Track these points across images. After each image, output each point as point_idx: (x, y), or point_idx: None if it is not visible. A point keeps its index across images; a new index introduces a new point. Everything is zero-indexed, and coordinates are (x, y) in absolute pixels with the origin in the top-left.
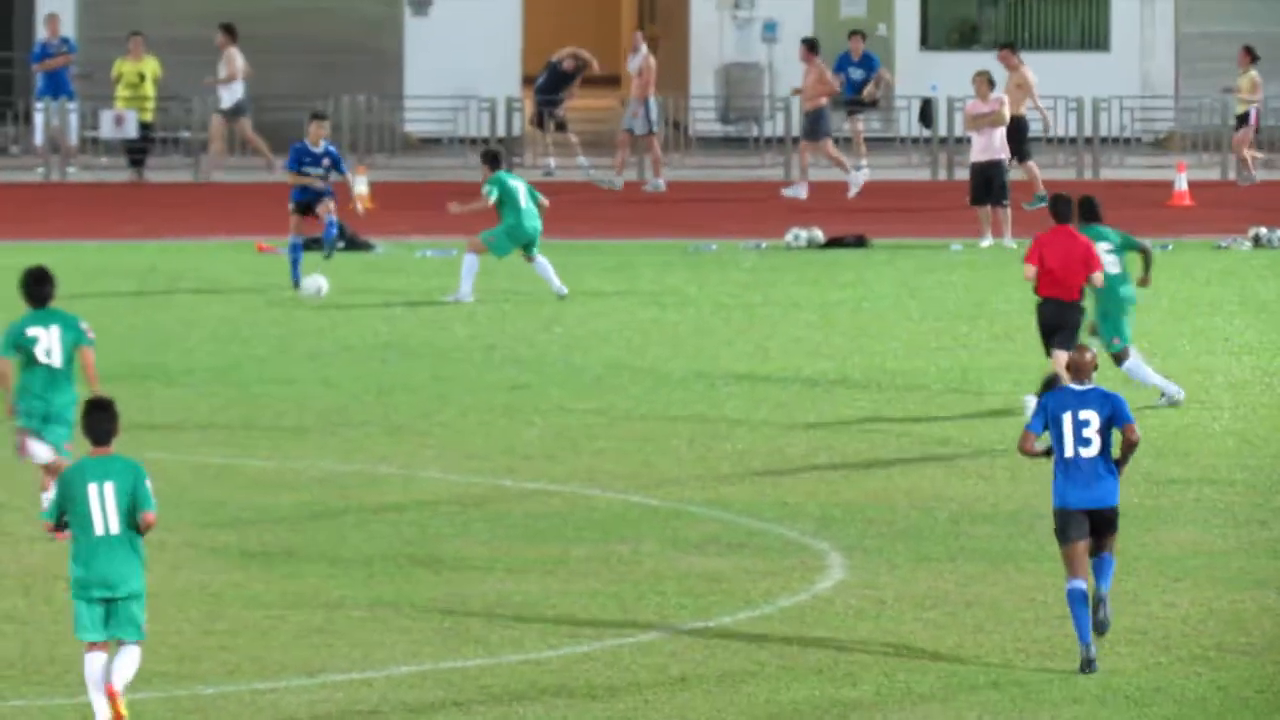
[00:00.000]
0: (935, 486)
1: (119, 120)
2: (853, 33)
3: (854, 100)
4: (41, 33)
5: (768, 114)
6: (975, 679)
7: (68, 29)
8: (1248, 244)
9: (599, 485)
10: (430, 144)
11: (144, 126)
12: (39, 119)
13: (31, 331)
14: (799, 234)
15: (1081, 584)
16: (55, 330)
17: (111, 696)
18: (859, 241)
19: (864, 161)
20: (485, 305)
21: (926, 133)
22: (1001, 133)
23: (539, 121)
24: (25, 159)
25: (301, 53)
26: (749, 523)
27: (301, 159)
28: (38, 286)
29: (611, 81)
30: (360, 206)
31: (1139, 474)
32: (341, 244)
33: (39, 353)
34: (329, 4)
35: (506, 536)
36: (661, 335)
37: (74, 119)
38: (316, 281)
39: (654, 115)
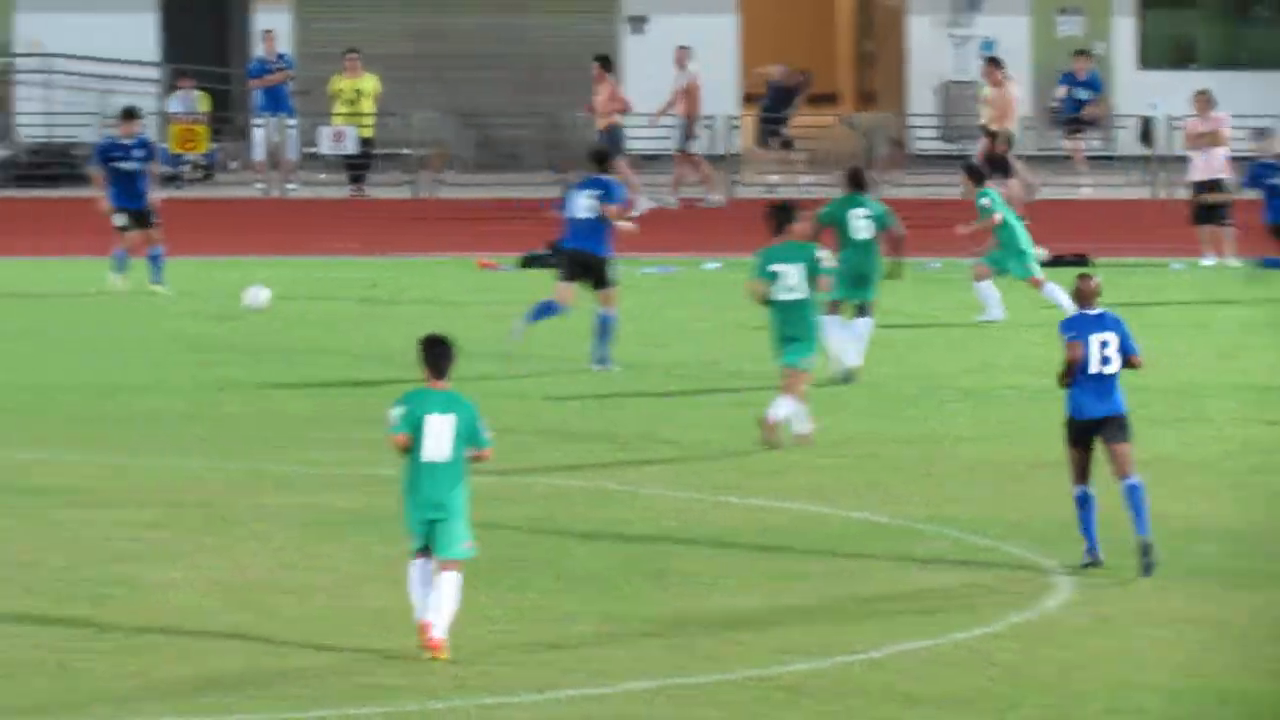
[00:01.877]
0: (1160, 504)
1: (338, 136)
2: (1078, 52)
3: (1075, 119)
4: (258, 49)
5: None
6: (1203, 697)
7: (284, 46)
8: None
9: (826, 501)
10: (648, 161)
11: (363, 142)
12: (258, 135)
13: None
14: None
15: (1087, 489)
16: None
17: (435, 649)
18: (1080, 260)
19: (1085, 180)
20: (706, 323)
21: (1146, 151)
22: (1222, 152)
23: (764, 140)
24: (244, 174)
25: (519, 70)
26: (976, 540)
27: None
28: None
29: (829, 99)
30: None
31: None
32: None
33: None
34: (547, 21)
35: (734, 552)
36: (886, 352)
37: (293, 135)
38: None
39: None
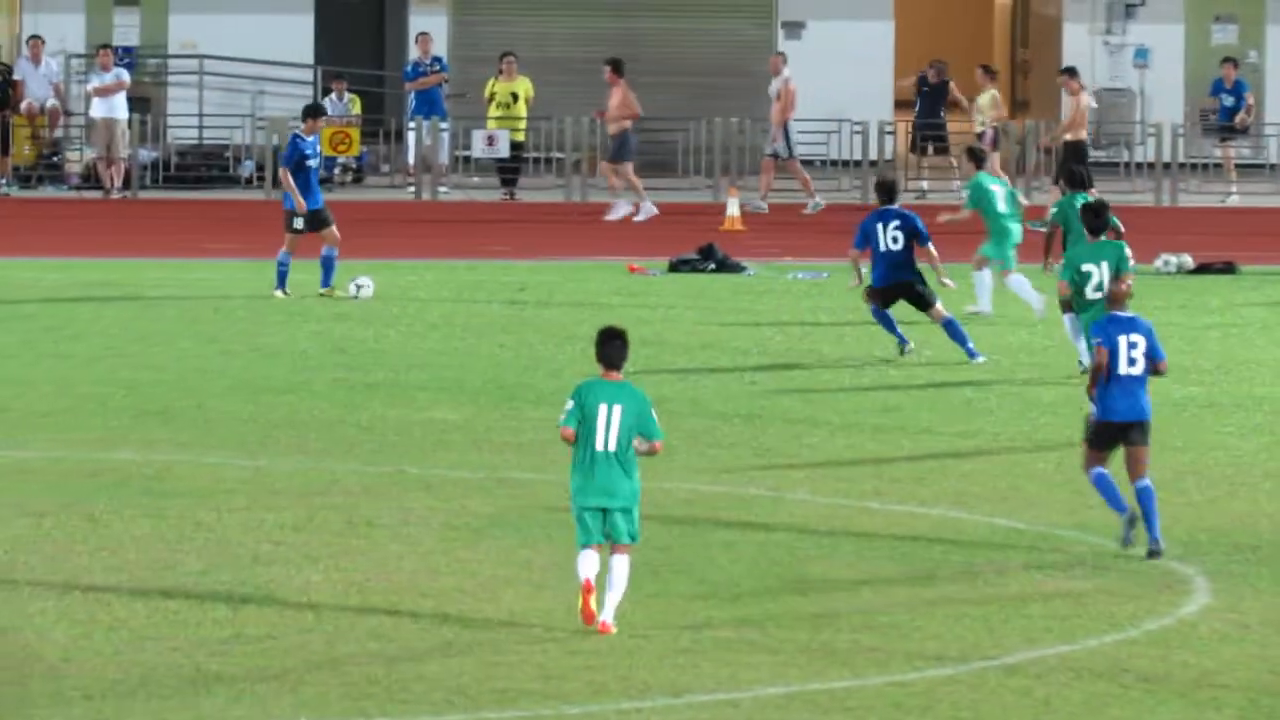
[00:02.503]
0: None
1: (490, 140)
2: (1225, 59)
3: (1226, 127)
4: (413, 52)
5: (1139, 139)
6: None
7: (440, 49)
8: None
9: (966, 508)
10: (805, 166)
11: (515, 146)
12: (411, 138)
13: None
14: (1168, 260)
15: (1103, 470)
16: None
17: (604, 631)
18: (1228, 268)
19: (1234, 188)
20: (856, 328)
21: None
22: None
23: (917, 146)
24: (395, 178)
25: (677, 74)
26: (1115, 546)
27: None
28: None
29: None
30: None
31: None
32: (712, 265)
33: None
34: (706, 26)
35: (873, 558)
36: (1030, 359)
37: (446, 138)
38: None
39: (793, 139)
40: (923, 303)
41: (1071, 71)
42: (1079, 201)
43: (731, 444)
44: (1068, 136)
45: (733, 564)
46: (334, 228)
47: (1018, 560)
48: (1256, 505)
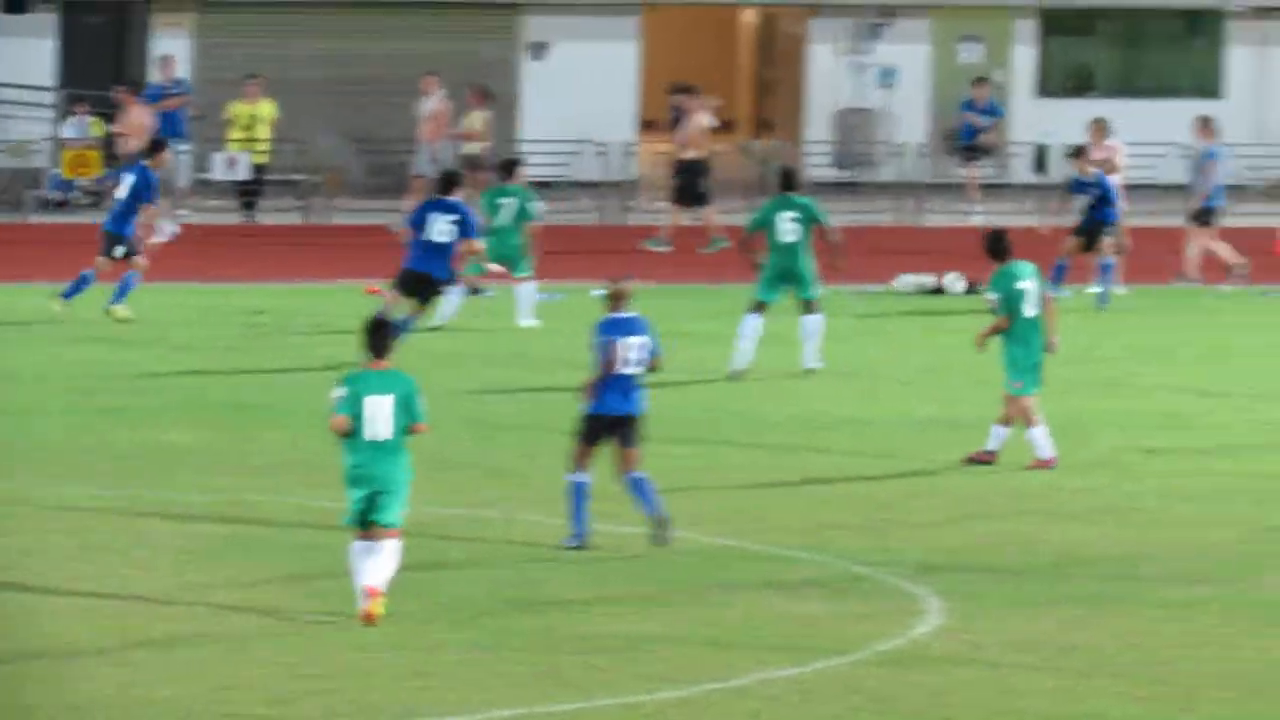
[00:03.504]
0: (1037, 531)
1: (231, 162)
2: (978, 79)
3: (971, 146)
4: (155, 75)
5: (882, 159)
6: None
7: (184, 71)
8: None
9: (698, 528)
10: (543, 187)
11: (257, 169)
12: None
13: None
14: (909, 279)
15: (584, 480)
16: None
17: (373, 594)
18: (970, 288)
19: (978, 207)
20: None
21: (1040, 179)
22: (1116, 179)
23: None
24: None
25: (416, 95)
26: (848, 567)
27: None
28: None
29: (726, 126)
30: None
31: (1239, 519)
32: (466, 288)
33: None
34: (449, 47)
35: (604, 579)
36: (765, 379)
37: (185, 160)
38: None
39: (441, 158)
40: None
41: (689, 90)
42: (786, 204)
43: (463, 465)
44: (685, 155)
45: (465, 586)
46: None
47: (749, 581)
48: (993, 526)
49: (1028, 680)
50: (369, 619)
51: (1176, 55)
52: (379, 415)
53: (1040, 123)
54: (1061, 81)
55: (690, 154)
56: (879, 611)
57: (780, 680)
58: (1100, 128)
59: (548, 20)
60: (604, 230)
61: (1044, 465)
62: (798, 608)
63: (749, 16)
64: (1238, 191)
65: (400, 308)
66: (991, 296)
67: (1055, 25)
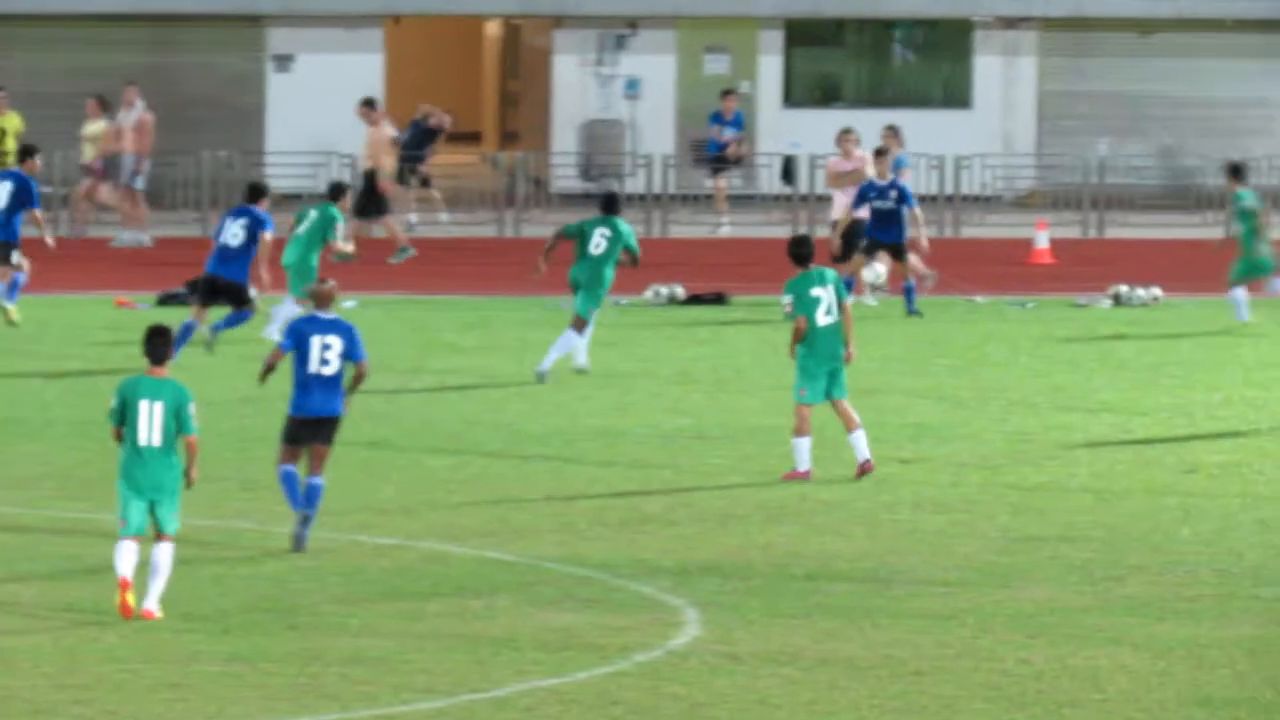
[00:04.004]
0: (791, 543)
1: None
2: (726, 91)
3: (719, 158)
4: None
5: (629, 170)
6: None
7: None
8: (1107, 302)
9: (455, 541)
10: (291, 200)
11: None
12: None
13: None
14: (659, 290)
15: (291, 468)
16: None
17: (148, 616)
18: (718, 299)
19: (725, 219)
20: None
21: (788, 190)
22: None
23: (403, 178)
24: None
25: (168, 108)
26: (605, 578)
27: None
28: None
29: (472, 138)
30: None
31: (995, 530)
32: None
33: None
34: (196, 59)
35: (362, 592)
36: (520, 391)
37: None
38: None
39: (145, 170)
40: None
41: (370, 103)
42: (606, 223)
43: (219, 477)
44: (367, 165)
45: (221, 597)
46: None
47: (507, 593)
48: (748, 537)
49: (785, 691)
50: (126, 611)
51: (924, 66)
52: (150, 422)
53: (787, 133)
54: (808, 92)
55: (370, 165)
56: (637, 622)
57: (540, 691)
58: (849, 139)
59: (292, 33)
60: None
61: (799, 477)
62: (556, 619)
63: (493, 28)
64: (987, 203)
65: (204, 313)
66: (786, 300)
67: (802, 36)
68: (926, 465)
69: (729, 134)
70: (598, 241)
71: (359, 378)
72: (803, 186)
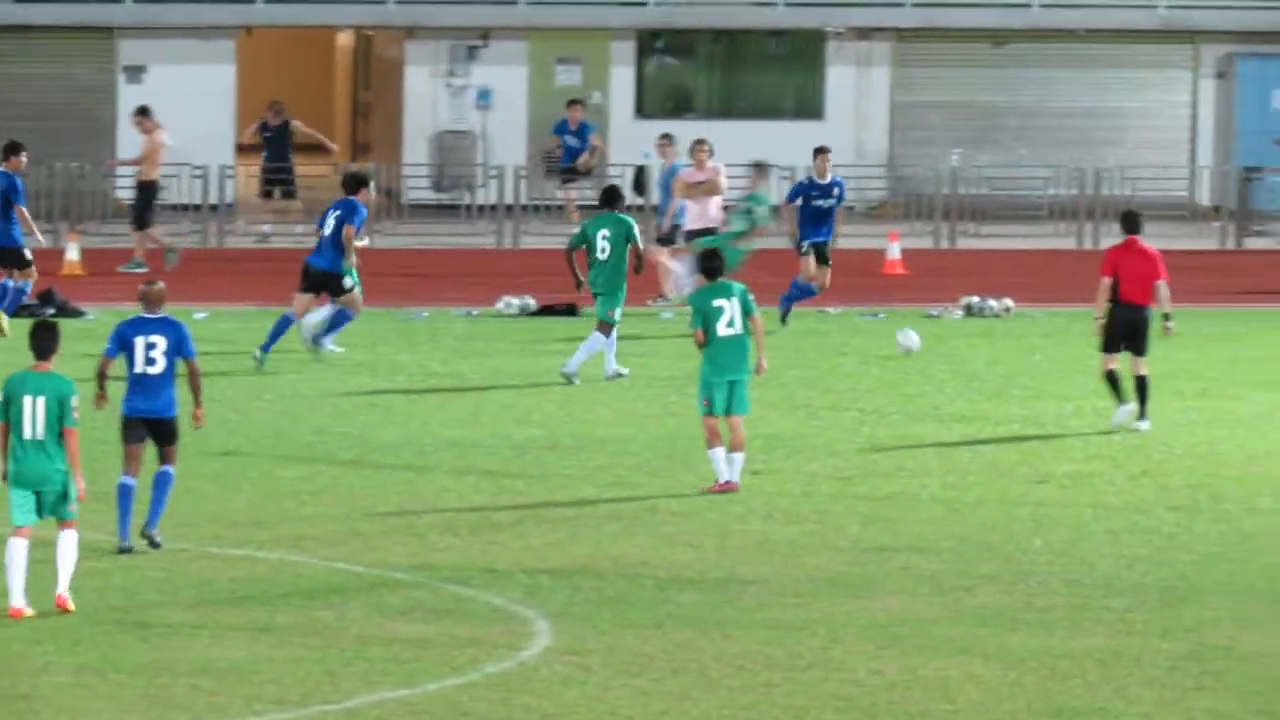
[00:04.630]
0: (643, 553)
1: None
2: (571, 101)
3: (569, 169)
4: None
5: (480, 182)
6: None
7: None
8: (959, 312)
9: (306, 552)
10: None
11: None
12: None
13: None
14: (510, 301)
15: (130, 481)
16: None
17: (62, 606)
18: (570, 310)
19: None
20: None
21: (639, 200)
22: (718, 201)
23: (266, 191)
24: None
25: (19, 119)
26: (456, 589)
27: None
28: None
29: (325, 149)
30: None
31: (847, 541)
32: (52, 310)
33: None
34: (47, 70)
35: (213, 602)
36: (372, 402)
37: None
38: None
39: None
40: None
41: (144, 111)
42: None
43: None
44: (141, 176)
45: (74, 609)
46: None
47: (358, 603)
48: (599, 548)
49: (636, 702)
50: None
51: (776, 77)
52: (34, 416)
53: (639, 144)
54: (660, 103)
55: (146, 175)
56: (488, 634)
57: (391, 702)
58: (701, 149)
59: (144, 44)
60: (204, 253)
61: (725, 489)
62: (407, 629)
63: (345, 39)
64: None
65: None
66: (691, 312)
67: (654, 47)
68: (778, 476)
69: (574, 141)
70: (602, 246)
71: (194, 376)
72: (654, 197)
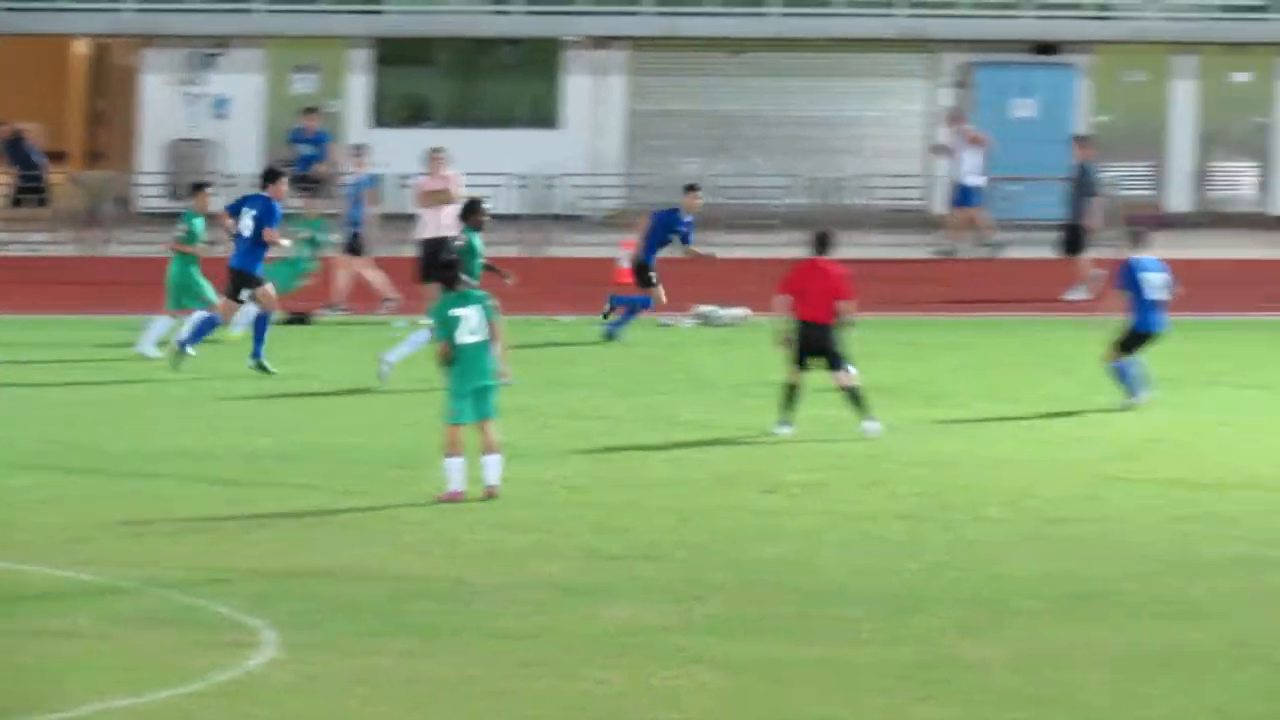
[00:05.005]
0: (374, 562)
1: None
2: (307, 109)
3: (304, 177)
4: None
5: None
6: None
7: None
8: (690, 321)
9: (33, 560)
10: None
11: None
12: None
13: None
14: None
15: None
16: None
17: None
18: (301, 319)
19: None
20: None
21: (372, 210)
22: (452, 210)
23: (16, 200)
24: None
25: None
26: (183, 598)
27: None
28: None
29: (59, 157)
30: None
31: (577, 550)
32: None
33: None
34: None
35: None
36: (102, 411)
37: None
38: None
39: None
40: None
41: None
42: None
43: None
44: None
45: None
46: None
47: (86, 612)
48: (330, 556)
49: (365, 711)
50: None
51: (512, 85)
52: None
53: (377, 153)
54: (396, 111)
55: None
56: (215, 643)
57: (117, 711)
58: (438, 158)
59: None
60: None
61: (453, 498)
62: (134, 638)
63: (81, 47)
64: (574, 222)
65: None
66: (429, 322)
67: (390, 55)
68: (509, 484)
69: (309, 149)
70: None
71: None
72: (389, 206)
